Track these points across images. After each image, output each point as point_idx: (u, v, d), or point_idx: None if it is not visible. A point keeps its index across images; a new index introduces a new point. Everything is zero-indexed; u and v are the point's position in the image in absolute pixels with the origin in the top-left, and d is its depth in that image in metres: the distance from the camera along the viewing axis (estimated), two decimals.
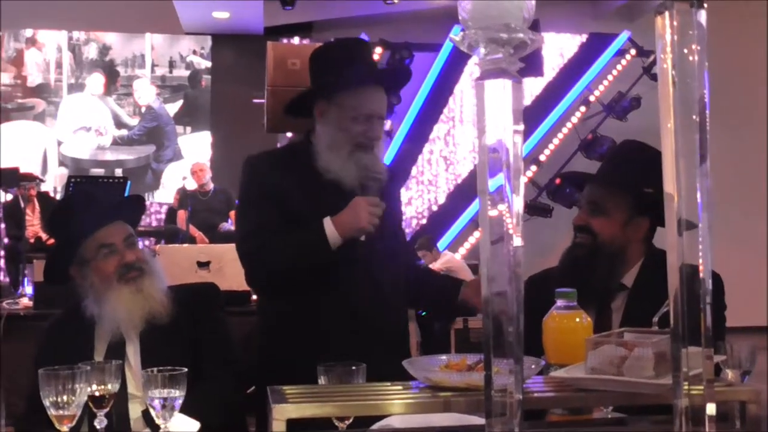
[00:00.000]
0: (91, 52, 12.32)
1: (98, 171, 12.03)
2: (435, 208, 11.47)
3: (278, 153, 3.10)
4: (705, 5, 1.13)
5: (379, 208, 2.63)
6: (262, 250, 2.67)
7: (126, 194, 7.06)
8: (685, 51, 1.13)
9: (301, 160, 2.75)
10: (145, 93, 12.42)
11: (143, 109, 12.41)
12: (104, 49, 12.35)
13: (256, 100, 8.43)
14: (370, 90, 2.73)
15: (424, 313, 9.58)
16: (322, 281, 2.64)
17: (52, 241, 7.58)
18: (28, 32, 12.18)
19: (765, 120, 11.29)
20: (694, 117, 1.13)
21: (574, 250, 2.61)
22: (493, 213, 1.18)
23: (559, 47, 11.70)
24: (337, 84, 2.71)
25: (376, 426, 1.90)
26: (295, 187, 2.68)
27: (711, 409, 1.13)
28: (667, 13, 1.13)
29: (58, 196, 9.51)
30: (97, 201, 2.73)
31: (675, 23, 1.13)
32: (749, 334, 2.58)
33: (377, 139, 2.73)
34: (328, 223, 2.59)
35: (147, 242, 9.31)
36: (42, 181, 9.22)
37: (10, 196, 8.36)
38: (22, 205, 8.06)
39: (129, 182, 7.65)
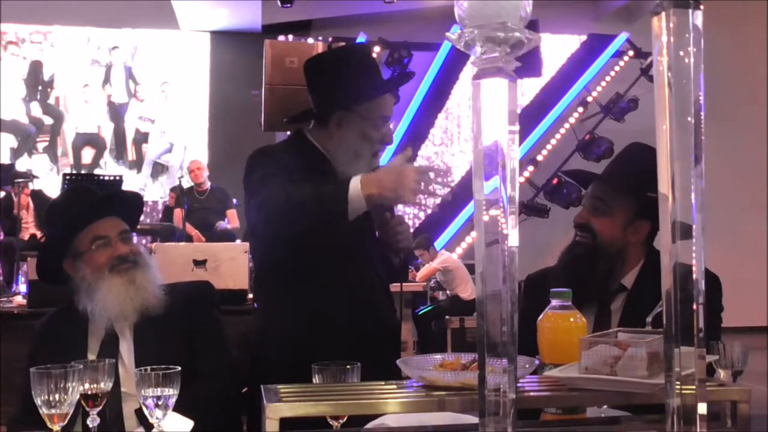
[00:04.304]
0: (89, 48, 12.29)
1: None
2: (432, 207, 11.47)
3: (282, 145, 3.02)
4: (701, 7, 1.13)
5: (428, 177, 2.39)
6: (276, 196, 2.41)
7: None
8: (681, 53, 1.13)
9: (305, 152, 2.70)
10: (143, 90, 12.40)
11: None
12: (103, 46, 12.33)
13: (255, 92, 8.43)
14: (386, 96, 2.76)
15: (420, 312, 9.62)
16: (320, 279, 2.64)
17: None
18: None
19: (764, 121, 11.31)
20: (689, 119, 1.13)
21: (573, 248, 2.62)
22: (488, 214, 1.18)
23: (557, 48, 11.71)
24: (358, 94, 2.67)
25: (370, 425, 1.90)
26: (304, 171, 2.60)
27: (702, 408, 1.13)
28: (663, 15, 1.13)
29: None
30: (94, 195, 2.73)
31: (671, 25, 1.13)
32: (741, 334, 2.58)
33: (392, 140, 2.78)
34: (355, 181, 2.37)
35: (144, 240, 9.28)
36: (36, 177, 9.20)
37: (2, 194, 8.34)
38: (16, 202, 8.04)
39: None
